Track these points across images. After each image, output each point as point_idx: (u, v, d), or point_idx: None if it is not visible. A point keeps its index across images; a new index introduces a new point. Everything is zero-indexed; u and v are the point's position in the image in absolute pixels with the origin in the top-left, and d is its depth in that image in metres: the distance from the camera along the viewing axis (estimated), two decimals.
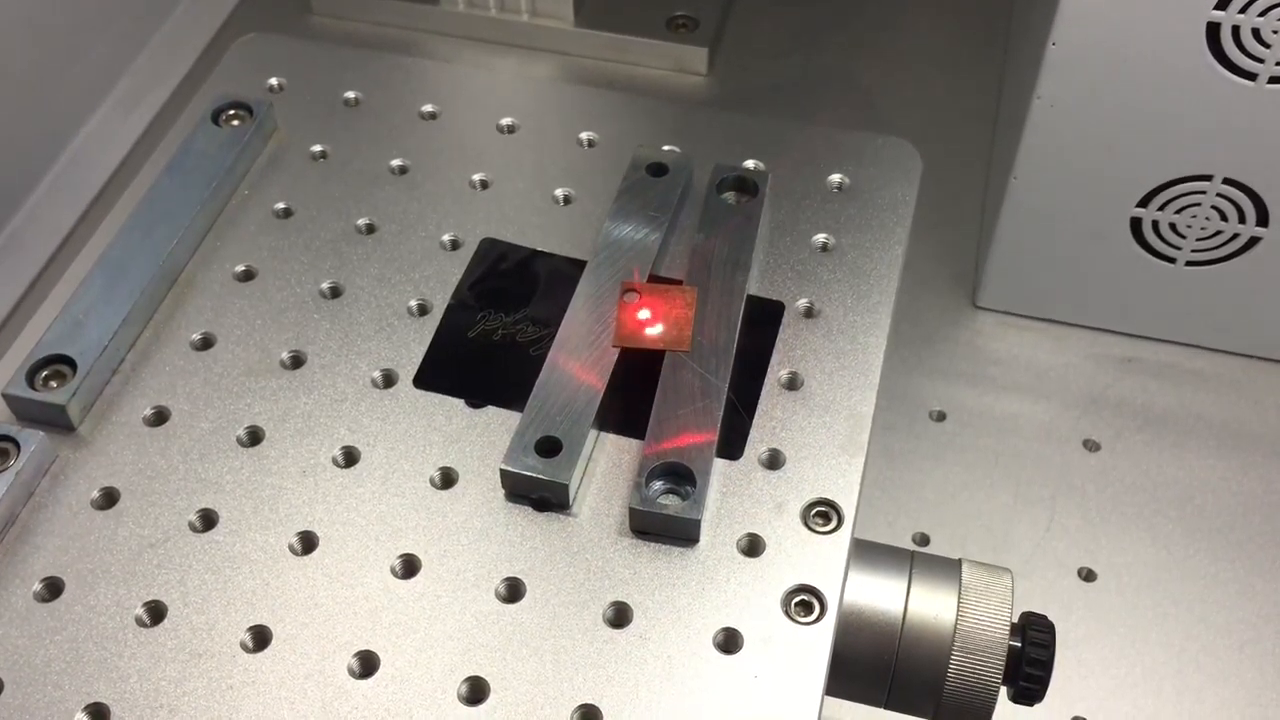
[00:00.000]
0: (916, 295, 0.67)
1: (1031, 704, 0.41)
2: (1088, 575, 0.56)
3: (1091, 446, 0.60)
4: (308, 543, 0.40)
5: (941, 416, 0.61)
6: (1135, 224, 0.60)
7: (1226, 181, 0.57)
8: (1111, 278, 0.62)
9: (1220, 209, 0.58)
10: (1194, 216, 0.58)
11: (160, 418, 0.43)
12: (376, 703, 0.37)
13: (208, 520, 0.41)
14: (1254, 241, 0.59)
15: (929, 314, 0.66)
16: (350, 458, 0.42)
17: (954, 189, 0.69)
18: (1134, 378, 0.62)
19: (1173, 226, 0.59)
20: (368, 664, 0.37)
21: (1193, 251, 0.60)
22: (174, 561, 0.40)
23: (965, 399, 0.62)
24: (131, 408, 0.43)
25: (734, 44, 0.80)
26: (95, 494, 0.41)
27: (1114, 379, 0.62)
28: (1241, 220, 0.58)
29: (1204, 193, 0.57)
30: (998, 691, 0.39)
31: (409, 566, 0.40)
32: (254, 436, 0.43)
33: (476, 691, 0.37)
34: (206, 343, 0.45)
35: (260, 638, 0.38)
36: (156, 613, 0.38)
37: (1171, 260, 0.61)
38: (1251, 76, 0.53)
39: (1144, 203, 0.59)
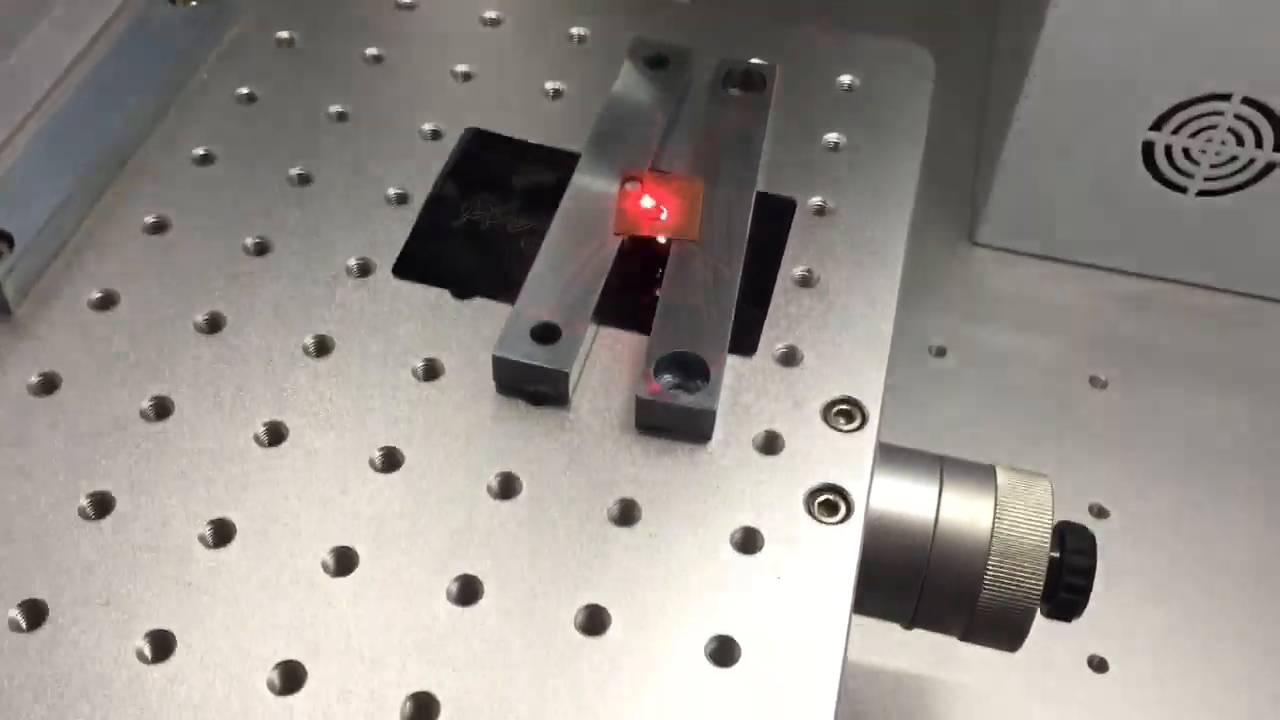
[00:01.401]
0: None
1: (1070, 618, 0.37)
2: (1099, 512, 0.53)
3: (1098, 384, 0.57)
4: (275, 434, 0.36)
5: (942, 352, 0.58)
6: (1148, 149, 0.57)
7: (1245, 101, 0.54)
8: (1119, 210, 0.59)
9: (1237, 131, 0.55)
10: (1209, 140, 0.56)
11: (108, 302, 0.39)
12: (356, 602, 0.32)
13: (161, 409, 0.36)
14: (1270, 168, 0.56)
15: (923, 251, 0.63)
16: (322, 347, 0.38)
17: (945, 122, 0.66)
18: (1139, 316, 0.60)
19: (1186, 152, 0.57)
20: (345, 561, 0.33)
21: (1205, 180, 0.57)
22: (123, 451, 0.35)
23: (966, 334, 0.59)
24: (75, 292, 0.39)
25: None
26: (33, 379, 0.37)
27: (1118, 317, 0.59)
28: (1258, 145, 0.55)
29: (1221, 114, 0.55)
30: (1038, 602, 0.36)
31: (390, 460, 0.35)
32: (214, 324, 0.38)
33: (469, 590, 0.33)
34: (160, 226, 0.41)
35: (221, 532, 0.34)
36: (102, 505, 0.34)
37: (1183, 190, 0.58)
38: None
39: (1158, 125, 0.56)
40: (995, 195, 0.61)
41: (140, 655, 0.31)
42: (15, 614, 0.32)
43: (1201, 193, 0.59)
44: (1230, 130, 0.56)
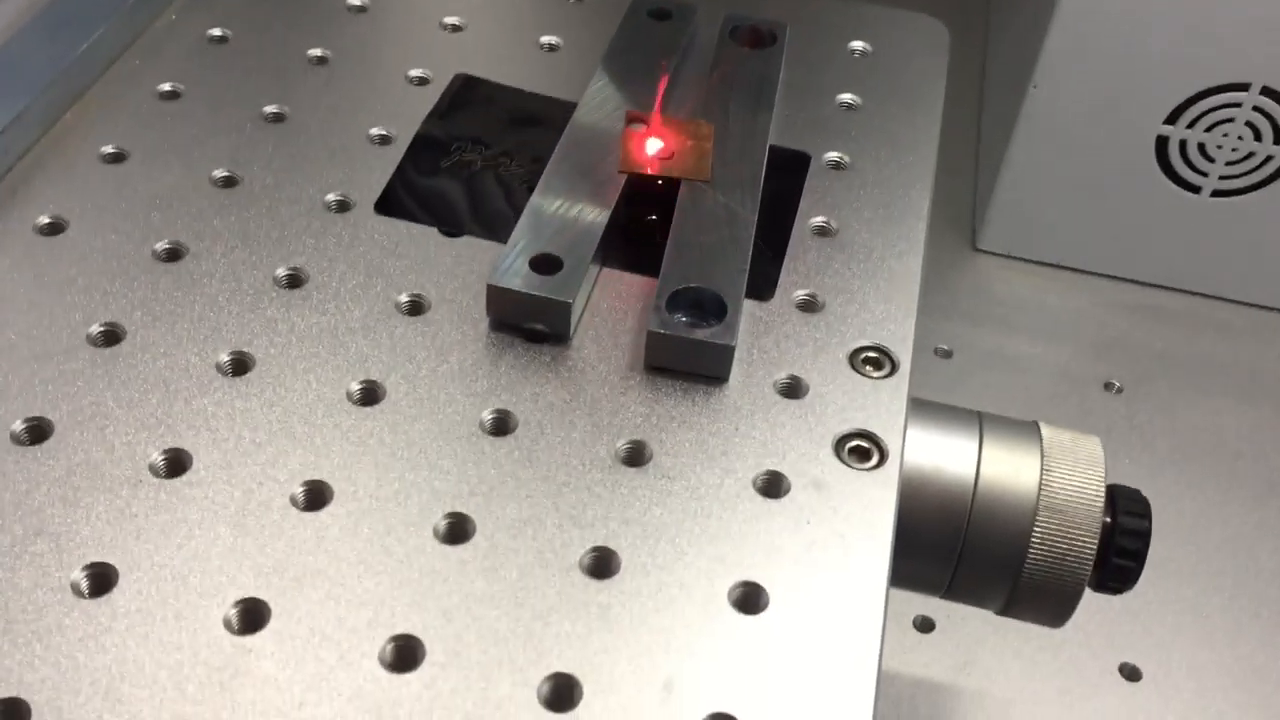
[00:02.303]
0: None
1: (1123, 589, 0.33)
2: None
3: (1113, 389, 0.54)
4: (240, 364, 0.32)
5: (948, 354, 0.55)
6: (1161, 145, 0.55)
7: (1264, 92, 0.52)
8: (1130, 213, 0.57)
9: (1255, 125, 0.53)
10: (1225, 135, 0.54)
11: (56, 228, 0.35)
12: (330, 539, 0.28)
13: (111, 336, 0.32)
14: None
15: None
16: (295, 280, 0.34)
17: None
18: (1152, 324, 0.57)
19: (1201, 148, 0.55)
20: (317, 496, 0.29)
21: (1220, 178, 0.55)
22: (65, 376, 0.31)
23: (972, 338, 0.56)
24: (20, 216, 0.35)
25: None
26: None
27: (1131, 325, 0.57)
28: (1276, 140, 0.53)
29: (1239, 105, 0.53)
30: (1091, 565, 0.32)
31: (368, 394, 0.32)
32: (174, 253, 0.35)
33: (458, 529, 0.29)
34: (118, 157, 0.37)
35: (175, 463, 0.29)
36: (39, 431, 0.30)
37: (1196, 190, 0.56)
38: None
39: (1172, 118, 0.54)
40: (999, 198, 0.58)
41: (76, 589, 0.27)
42: None
43: (1216, 193, 0.56)
44: (1248, 124, 0.54)
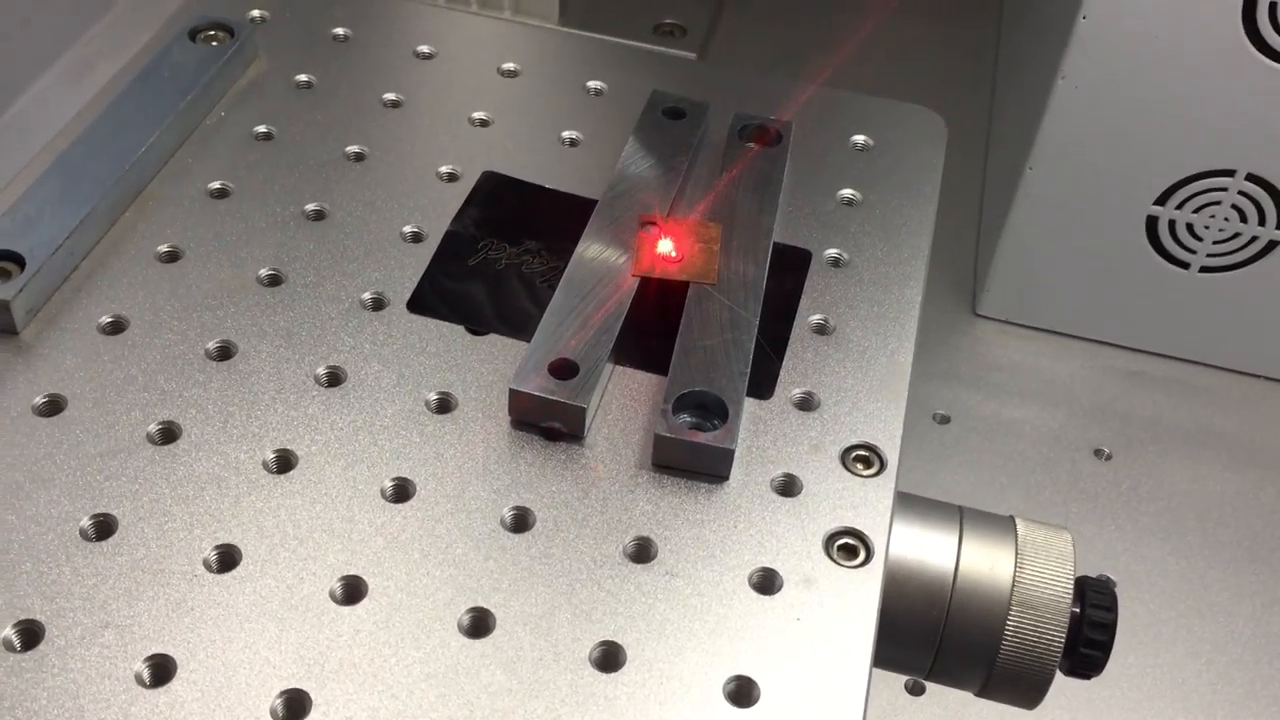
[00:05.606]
0: None
1: (1090, 675, 0.36)
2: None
3: (1102, 456, 0.57)
4: (284, 461, 0.35)
5: (945, 420, 0.58)
6: (1151, 224, 0.58)
7: (1249, 178, 0.55)
8: (1122, 285, 0.60)
9: (1240, 208, 0.56)
10: (1213, 216, 0.56)
11: (117, 327, 0.38)
12: (365, 631, 0.31)
13: (168, 434, 0.35)
14: (1272, 246, 0.57)
15: (925, 321, 0.63)
16: (335, 378, 0.37)
17: (946, 191, 0.66)
18: (1142, 391, 0.60)
19: (1190, 228, 0.57)
20: (353, 590, 0.32)
21: (1208, 256, 0.58)
22: (127, 474, 0.34)
23: (970, 403, 0.58)
24: (85, 315, 0.38)
25: (721, 54, 0.77)
26: (39, 400, 0.36)
27: (1122, 391, 0.59)
28: (1261, 222, 0.56)
29: (1225, 190, 0.55)
30: (1059, 656, 0.35)
31: (401, 491, 0.35)
32: (224, 351, 0.38)
33: (480, 623, 0.32)
34: (173, 256, 0.41)
35: (227, 558, 0.33)
36: (105, 527, 0.33)
37: (1185, 266, 0.58)
38: None
39: (1162, 200, 0.57)
40: (998, 268, 0.61)
41: (139, 679, 0.30)
42: (10, 634, 0.30)
43: (1204, 269, 0.59)
44: (1234, 207, 0.56)
